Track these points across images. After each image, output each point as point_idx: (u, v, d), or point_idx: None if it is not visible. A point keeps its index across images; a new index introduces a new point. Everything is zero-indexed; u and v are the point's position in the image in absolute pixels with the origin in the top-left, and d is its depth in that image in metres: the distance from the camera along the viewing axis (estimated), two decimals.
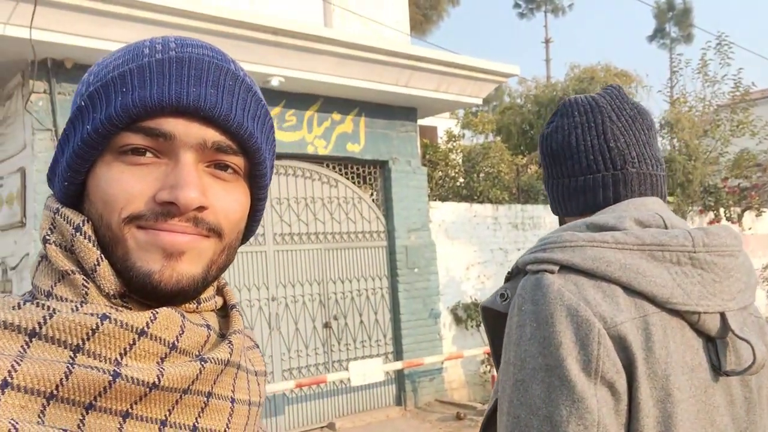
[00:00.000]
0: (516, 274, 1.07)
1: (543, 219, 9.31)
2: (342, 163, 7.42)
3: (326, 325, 7.06)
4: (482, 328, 7.76)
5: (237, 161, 0.64)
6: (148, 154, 0.61)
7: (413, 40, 9.26)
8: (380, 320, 7.50)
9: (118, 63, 0.64)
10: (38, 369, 0.52)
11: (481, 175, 10.14)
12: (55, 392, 0.53)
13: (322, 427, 6.82)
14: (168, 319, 0.60)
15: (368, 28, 7.65)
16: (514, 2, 34.40)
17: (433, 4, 21.00)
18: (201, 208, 0.61)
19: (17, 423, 0.50)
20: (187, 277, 0.61)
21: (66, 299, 0.59)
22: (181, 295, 0.62)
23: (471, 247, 8.45)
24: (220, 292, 0.73)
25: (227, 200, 0.64)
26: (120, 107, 0.59)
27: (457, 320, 8.14)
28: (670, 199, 9.87)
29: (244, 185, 0.67)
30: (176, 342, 0.60)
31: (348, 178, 7.45)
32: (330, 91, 6.88)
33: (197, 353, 0.63)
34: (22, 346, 0.54)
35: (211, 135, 0.62)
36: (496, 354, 1.11)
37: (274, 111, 6.62)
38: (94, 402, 0.54)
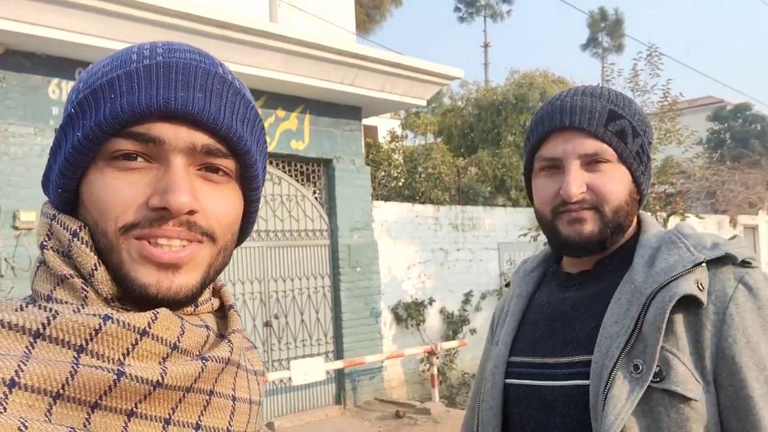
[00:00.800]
0: (698, 263, 1.02)
1: (482, 220, 9.51)
2: (285, 161, 7.37)
3: (267, 324, 6.99)
4: (423, 326, 7.65)
5: (227, 164, 0.65)
6: (139, 159, 0.61)
7: (357, 39, 9.27)
8: (321, 319, 7.48)
9: (106, 70, 0.64)
10: (44, 369, 0.53)
11: (423, 175, 10.27)
12: (61, 392, 0.53)
13: None
14: (168, 319, 0.61)
15: (314, 24, 7.61)
16: (455, 6, 35.02)
17: (377, 3, 21.09)
18: (192, 212, 0.62)
19: (26, 421, 0.50)
20: (185, 289, 0.63)
21: (66, 302, 0.60)
22: (179, 303, 0.63)
23: (412, 247, 8.54)
24: (216, 293, 0.75)
25: (219, 203, 0.65)
26: (109, 113, 0.60)
27: (398, 319, 8.22)
28: None
29: (236, 187, 0.68)
30: (177, 342, 0.61)
31: (291, 176, 7.40)
32: (275, 88, 6.81)
33: (198, 353, 0.64)
34: (26, 347, 0.54)
35: (200, 138, 0.62)
36: (663, 344, 0.99)
37: None
38: (99, 401, 0.55)
